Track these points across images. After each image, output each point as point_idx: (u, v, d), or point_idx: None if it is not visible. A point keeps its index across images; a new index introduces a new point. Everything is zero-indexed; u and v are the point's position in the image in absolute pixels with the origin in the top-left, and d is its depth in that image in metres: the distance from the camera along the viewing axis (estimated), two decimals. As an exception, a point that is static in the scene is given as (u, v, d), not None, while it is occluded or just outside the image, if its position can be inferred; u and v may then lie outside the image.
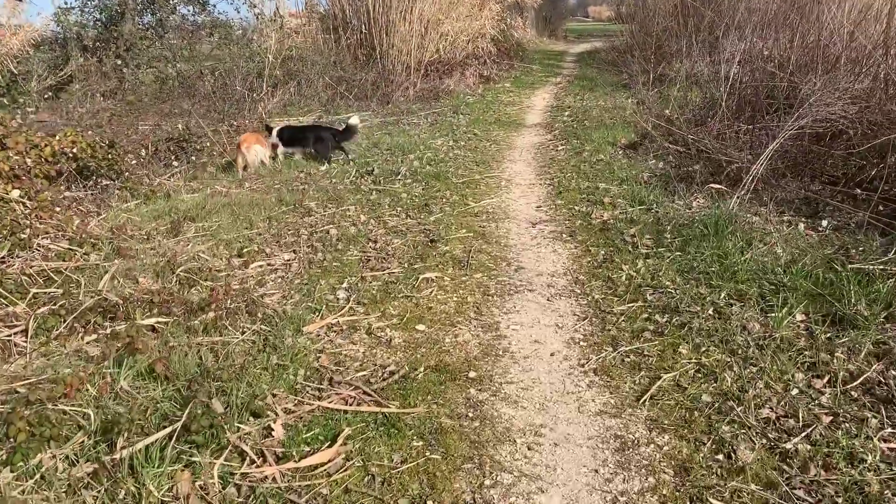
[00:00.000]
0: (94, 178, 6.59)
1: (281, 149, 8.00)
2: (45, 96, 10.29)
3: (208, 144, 8.19)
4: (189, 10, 12.67)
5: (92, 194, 6.43)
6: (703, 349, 3.53)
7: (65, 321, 3.95)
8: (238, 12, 13.00)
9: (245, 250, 5.23)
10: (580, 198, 6.34)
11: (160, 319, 3.97)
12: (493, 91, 14.02)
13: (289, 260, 5.11)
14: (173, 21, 12.24)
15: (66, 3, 11.45)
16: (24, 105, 9.60)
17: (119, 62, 10.99)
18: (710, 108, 8.46)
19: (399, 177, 7.20)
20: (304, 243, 5.36)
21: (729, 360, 3.42)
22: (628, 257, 4.79)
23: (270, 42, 11.09)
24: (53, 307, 4.06)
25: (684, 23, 14.01)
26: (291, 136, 8.02)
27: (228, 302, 4.20)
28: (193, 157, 7.91)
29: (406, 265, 4.84)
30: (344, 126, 8.13)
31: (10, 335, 3.80)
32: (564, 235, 5.43)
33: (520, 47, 19.46)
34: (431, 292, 4.37)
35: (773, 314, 3.79)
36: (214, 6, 12.37)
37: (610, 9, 63.26)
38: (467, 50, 15.21)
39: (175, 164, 7.70)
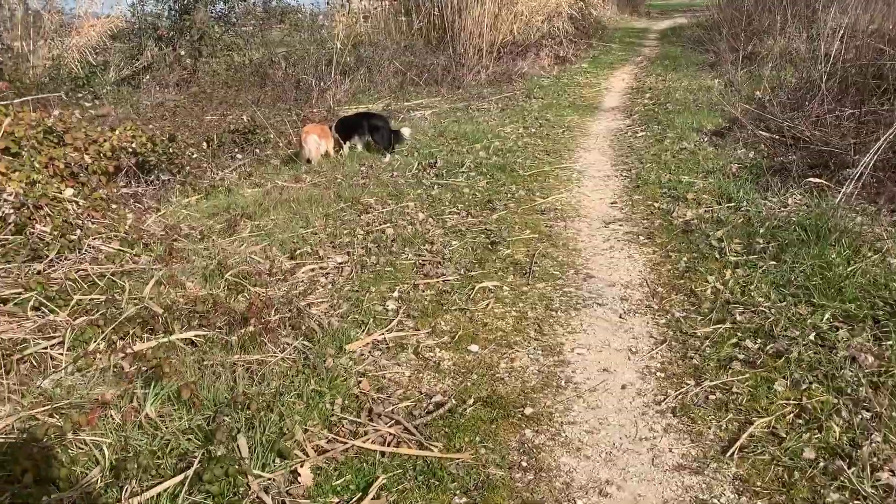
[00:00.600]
0: (155, 172, 6.48)
1: (345, 143, 7.71)
2: (120, 87, 10.40)
3: (272, 136, 7.98)
4: (260, -2, 12.58)
5: (152, 189, 6.33)
6: (804, 387, 2.95)
7: (103, 332, 3.76)
8: None
9: (298, 252, 4.94)
10: (660, 193, 5.72)
11: (199, 333, 3.72)
12: (569, 73, 13.31)
13: (341, 263, 4.79)
14: (244, 8, 12.14)
15: (141, -7, 11.56)
16: (103, 97, 9.72)
17: (190, 51, 10.99)
18: (807, 90, 7.59)
19: (463, 169, 6.76)
20: (359, 244, 5.02)
21: (836, 401, 2.83)
22: (714, 266, 4.20)
23: (338, 27, 10.81)
24: (93, 316, 3.88)
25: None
26: (346, 127, 7.70)
27: (272, 313, 3.91)
28: (257, 150, 7.72)
29: (462, 272, 4.42)
30: (395, 131, 7.74)
31: (46, 347, 3.64)
32: (641, 237, 4.86)
33: (599, 25, 18.51)
34: (488, 305, 3.93)
35: (889, 342, 3.16)
36: None
37: (696, -19, 60.48)
38: (542, 30, 14.51)
39: (239, 156, 7.53)
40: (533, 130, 8.55)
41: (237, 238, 5.21)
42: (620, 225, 5.14)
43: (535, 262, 4.48)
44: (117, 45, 11.16)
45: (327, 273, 4.66)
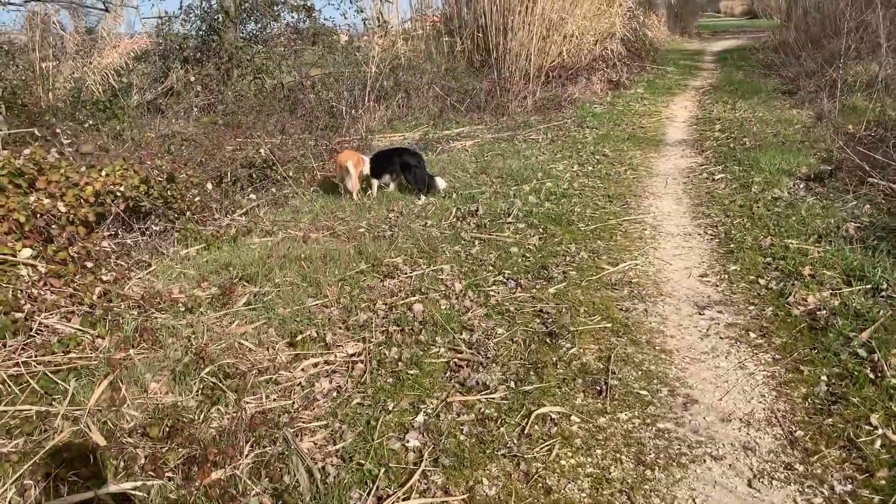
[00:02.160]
0: (153, 218, 5.46)
1: (374, 180, 6.60)
2: (143, 112, 9.52)
3: (291, 174, 6.91)
4: (293, 18, 11.61)
5: (146, 239, 5.30)
6: None
7: (15, 473, 2.67)
8: (345, 17, 11.82)
9: (300, 336, 3.81)
10: (763, 263, 4.42)
11: (138, 485, 2.59)
12: (624, 98, 12.02)
13: (353, 356, 3.63)
14: (276, 29, 11.21)
15: (166, 13, 10.71)
16: (123, 120, 8.84)
17: (218, 74, 10.07)
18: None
19: (510, 219, 5.57)
20: (378, 327, 3.86)
21: None
22: (873, 395, 2.90)
23: (374, 50, 9.77)
24: (5, 448, 2.79)
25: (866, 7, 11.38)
26: (380, 162, 6.58)
27: (245, 449, 2.77)
28: (273, 189, 6.66)
29: (512, 382, 3.21)
30: (431, 176, 6.55)
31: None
32: (752, 334, 3.58)
33: (652, 47, 17.17)
34: (551, 451, 2.71)
35: None
36: (320, 12, 11.17)
37: (744, 3, 58.34)
38: (594, 52, 13.27)
39: (252, 196, 6.47)
40: (590, 168, 7.31)
41: (229, 312, 4.11)
42: (720, 312, 3.86)
43: (613, 372, 3.24)
44: (141, 68, 10.30)
45: (334, 371, 3.51)
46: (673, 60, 17.54)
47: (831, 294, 3.84)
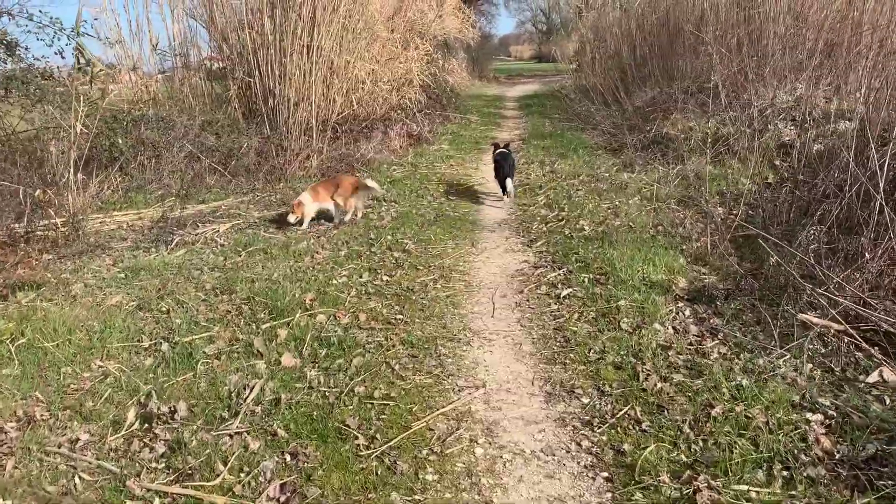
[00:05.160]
0: None
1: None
2: None
3: None
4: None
5: None
6: None
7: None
8: (62, 56, 8.28)
9: None
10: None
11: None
12: (427, 157, 9.85)
13: None
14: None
15: None
16: None
17: None
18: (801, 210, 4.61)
19: (237, 422, 2.90)
20: None
21: None
22: None
23: (75, 100, 6.51)
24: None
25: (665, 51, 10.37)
26: None
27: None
28: None
29: None
30: None
31: None
32: None
33: (454, 93, 15.47)
34: None
35: None
36: (27, 49, 7.68)
37: (531, 48, 61.04)
38: (390, 101, 11.04)
39: None
40: (384, 279, 4.85)
41: None
42: None
43: None
44: None
45: None
46: (475, 108, 15.97)
47: None
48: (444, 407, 3.10)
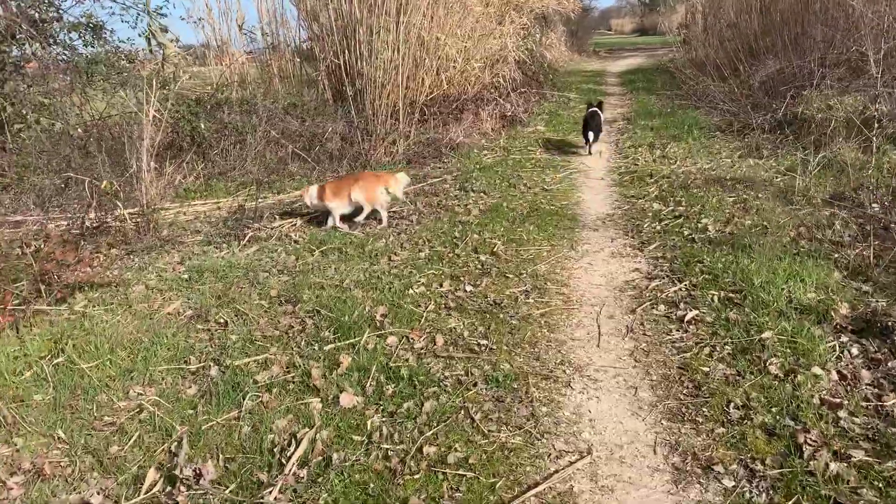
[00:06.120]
0: None
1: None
2: None
3: None
4: (75, 39, 7.84)
5: None
6: None
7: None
8: (149, 41, 8.06)
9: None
10: None
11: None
12: (521, 139, 9.00)
13: None
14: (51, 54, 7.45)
15: None
16: None
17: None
18: None
19: (267, 498, 2.29)
20: None
21: None
22: None
23: (146, 85, 6.17)
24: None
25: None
26: None
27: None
28: None
29: None
30: None
31: None
32: None
33: (552, 70, 14.41)
34: None
35: None
36: (112, 31, 7.53)
37: (633, 21, 57.82)
38: (482, 80, 10.24)
39: None
40: (468, 290, 4.14)
41: None
42: None
43: None
44: None
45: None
46: (574, 84, 14.85)
47: None
48: (537, 484, 2.36)
